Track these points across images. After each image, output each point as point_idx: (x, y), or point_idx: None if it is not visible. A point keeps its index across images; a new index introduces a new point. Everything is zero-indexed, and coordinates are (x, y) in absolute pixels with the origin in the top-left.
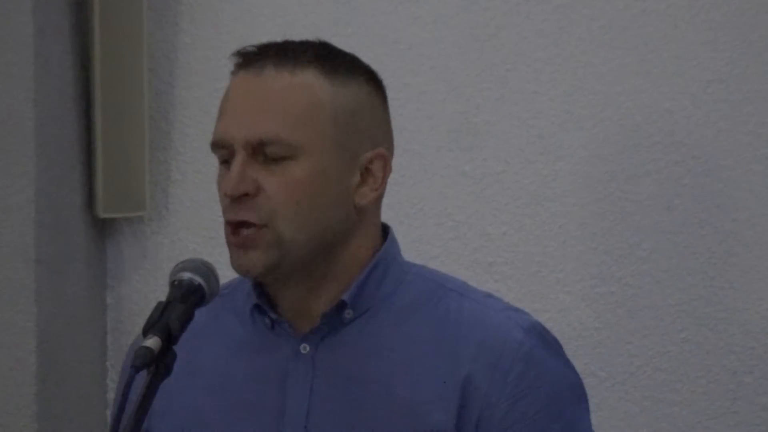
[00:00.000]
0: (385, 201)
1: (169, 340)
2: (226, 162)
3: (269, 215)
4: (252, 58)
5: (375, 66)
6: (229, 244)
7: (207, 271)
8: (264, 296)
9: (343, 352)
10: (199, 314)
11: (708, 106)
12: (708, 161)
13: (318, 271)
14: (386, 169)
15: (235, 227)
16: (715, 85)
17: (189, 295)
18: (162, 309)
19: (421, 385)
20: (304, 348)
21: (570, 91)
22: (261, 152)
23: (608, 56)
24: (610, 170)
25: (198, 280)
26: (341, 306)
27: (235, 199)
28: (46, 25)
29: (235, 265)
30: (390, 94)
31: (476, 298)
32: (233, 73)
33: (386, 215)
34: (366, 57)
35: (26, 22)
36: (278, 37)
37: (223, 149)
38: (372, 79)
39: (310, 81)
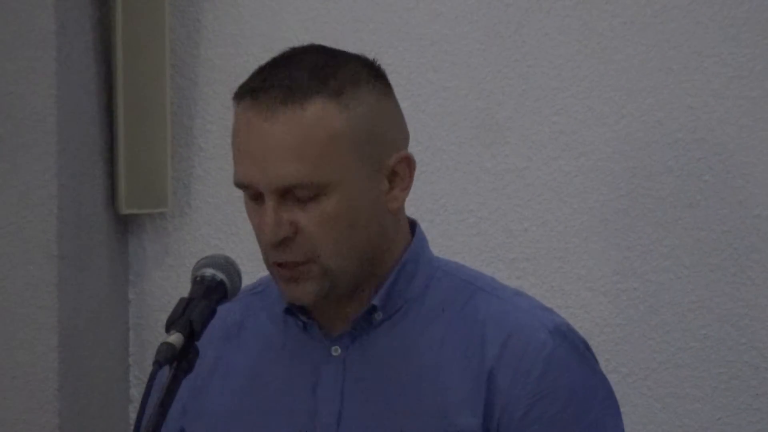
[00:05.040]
0: (407, 197)
1: (192, 336)
2: (253, 197)
3: (312, 251)
4: (258, 91)
5: (397, 62)
6: (277, 278)
7: (229, 267)
8: None
9: (374, 353)
10: (234, 313)
11: (730, 102)
12: (730, 158)
13: (360, 280)
14: (411, 167)
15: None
16: (737, 82)
17: (211, 292)
18: (184, 305)
19: (450, 386)
20: (335, 350)
21: (592, 87)
22: (291, 194)
23: (630, 52)
24: (631, 166)
25: (220, 276)
26: (371, 309)
27: (275, 244)
28: (68, 22)
29: (288, 297)
30: (412, 90)
31: (504, 296)
32: (237, 101)
33: (408, 211)
34: (388, 53)
35: (48, 18)
36: (299, 34)
37: (249, 189)
38: (375, 78)
39: (321, 112)
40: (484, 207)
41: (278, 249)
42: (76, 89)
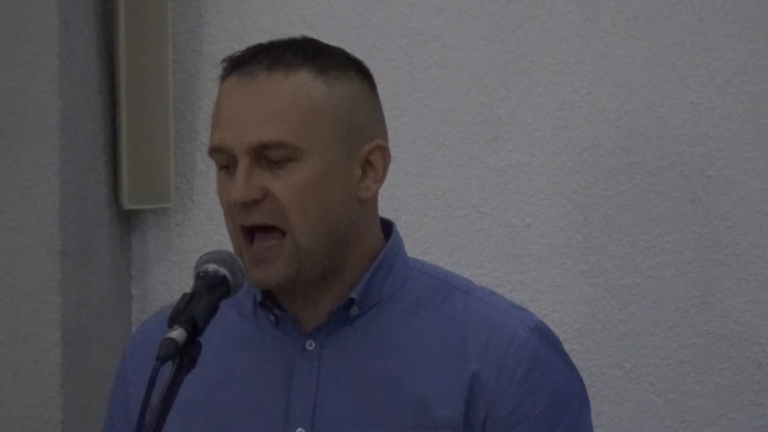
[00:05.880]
0: (409, 192)
1: (195, 331)
2: (225, 168)
3: (280, 218)
4: (242, 64)
5: (400, 58)
6: (243, 257)
7: (232, 262)
8: (268, 292)
9: (349, 348)
10: None
11: (732, 98)
12: (732, 153)
13: (328, 271)
14: (385, 159)
15: (250, 234)
16: (740, 78)
17: (214, 287)
18: (187, 301)
19: (428, 380)
20: (310, 344)
21: (594, 83)
22: (264, 157)
23: (633, 48)
24: (634, 162)
25: (223, 271)
26: (349, 303)
27: (243, 206)
28: (71, 17)
29: (253, 279)
30: (415, 85)
31: (481, 296)
32: (222, 77)
33: (410, 207)
34: (391, 49)
35: (51, 13)
36: (302, 30)
37: (222, 155)
38: (361, 71)
39: (303, 82)
40: (486, 203)
41: (245, 211)
42: (79, 85)
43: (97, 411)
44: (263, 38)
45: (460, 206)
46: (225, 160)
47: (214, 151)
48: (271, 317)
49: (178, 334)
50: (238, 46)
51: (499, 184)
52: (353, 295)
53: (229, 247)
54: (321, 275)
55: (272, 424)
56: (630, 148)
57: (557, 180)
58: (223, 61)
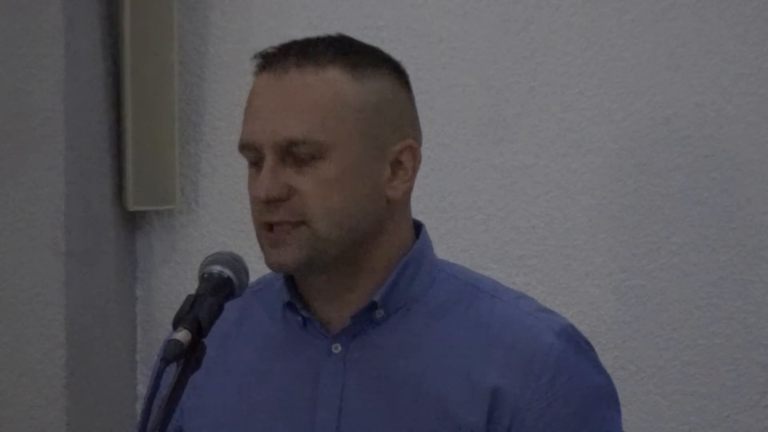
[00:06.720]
0: (414, 194)
1: (199, 333)
2: (255, 164)
3: (303, 215)
4: (274, 59)
5: (405, 59)
6: (262, 242)
7: (236, 264)
8: (296, 294)
9: (375, 351)
10: (232, 311)
11: (738, 99)
12: (738, 155)
13: (351, 267)
14: (416, 159)
15: (269, 227)
16: (745, 79)
17: (219, 289)
18: (192, 302)
19: (452, 385)
20: (336, 347)
21: (600, 84)
22: (290, 153)
23: (638, 50)
24: (640, 164)
25: (227, 273)
26: (372, 306)
27: (267, 203)
28: (77, 18)
29: (270, 262)
30: (420, 87)
31: (507, 299)
32: (255, 74)
33: (416, 208)
34: (396, 50)
35: (57, 15)
36: (308, 31)
37: (251, 151)
38: (395, 71)
39: (333, 78)
40: (491, 204)
41: (269, 207)
42: (84, 86)
43: (101, 412)
44: (269, 40)
45: (465, 208)
46: (254, 156)
47: (243, 147)
48: (299, 319)
49: (182, 335)
50: (244, 47)
51: (504, 186)
52: (375, 297)
53: (234, 249)
54: (341, 271)
55: (299, 426)
56: (635, 150)
57: (562, 181)
58: (255, 56)
